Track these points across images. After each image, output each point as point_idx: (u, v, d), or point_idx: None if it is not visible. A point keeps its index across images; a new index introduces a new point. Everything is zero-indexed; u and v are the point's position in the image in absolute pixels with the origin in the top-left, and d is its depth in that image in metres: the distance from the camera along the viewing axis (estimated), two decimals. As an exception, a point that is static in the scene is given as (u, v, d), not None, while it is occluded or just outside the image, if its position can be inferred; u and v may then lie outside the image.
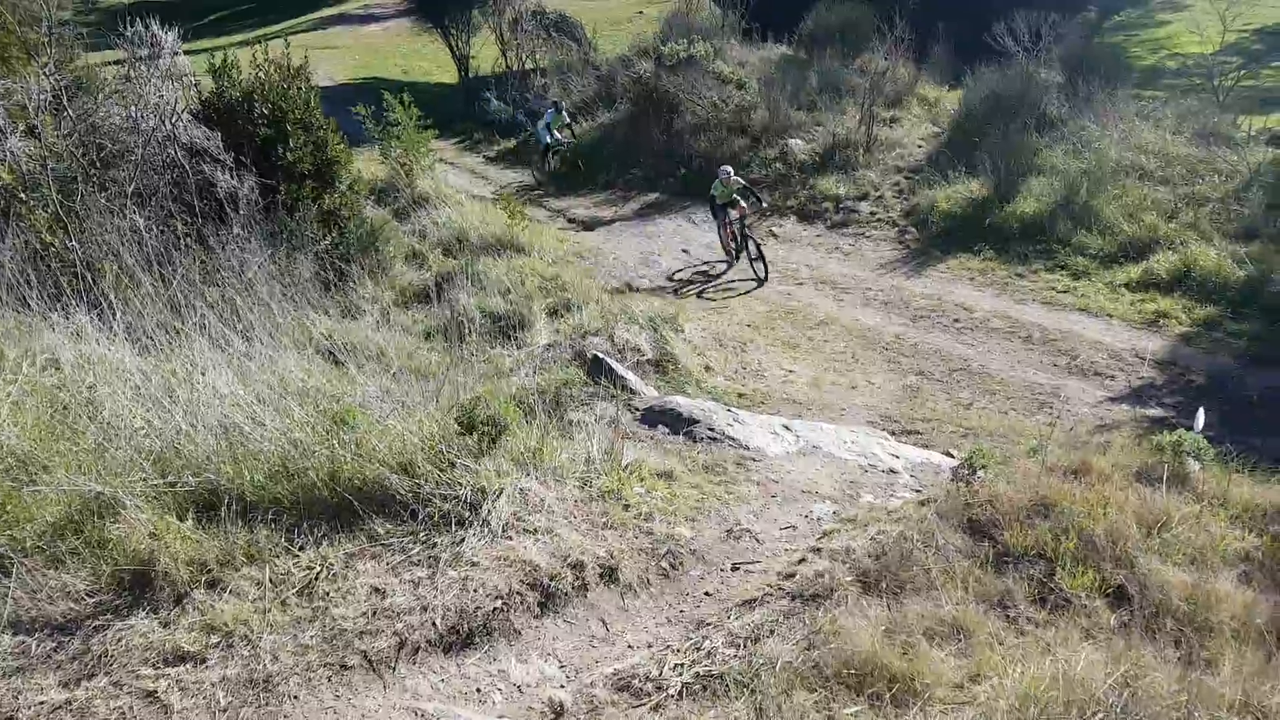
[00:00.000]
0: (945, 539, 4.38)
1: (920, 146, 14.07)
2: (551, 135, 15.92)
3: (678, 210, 14.14)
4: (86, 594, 3.85)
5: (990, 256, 11.28)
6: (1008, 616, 3.92)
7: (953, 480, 5.12)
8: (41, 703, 3.40)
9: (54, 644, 3.66)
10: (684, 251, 12.48)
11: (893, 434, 7.34)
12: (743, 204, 11.57)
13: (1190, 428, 5.38)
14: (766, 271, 11.41)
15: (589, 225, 13.86)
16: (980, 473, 4.93)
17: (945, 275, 11.12)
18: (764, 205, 12.83)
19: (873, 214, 12.92)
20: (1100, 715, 2.91)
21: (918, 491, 5.89)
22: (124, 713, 3.41)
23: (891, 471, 6.32)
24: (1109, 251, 10.77)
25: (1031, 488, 4.67)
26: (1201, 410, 5.50)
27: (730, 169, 11.75)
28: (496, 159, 18.02)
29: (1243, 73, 15.31)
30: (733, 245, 11.82)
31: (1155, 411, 7.52)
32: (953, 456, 6.63)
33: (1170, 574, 4.05)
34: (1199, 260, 9.93)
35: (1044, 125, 13.29)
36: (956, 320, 9.79)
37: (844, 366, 8.89)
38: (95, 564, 3.94)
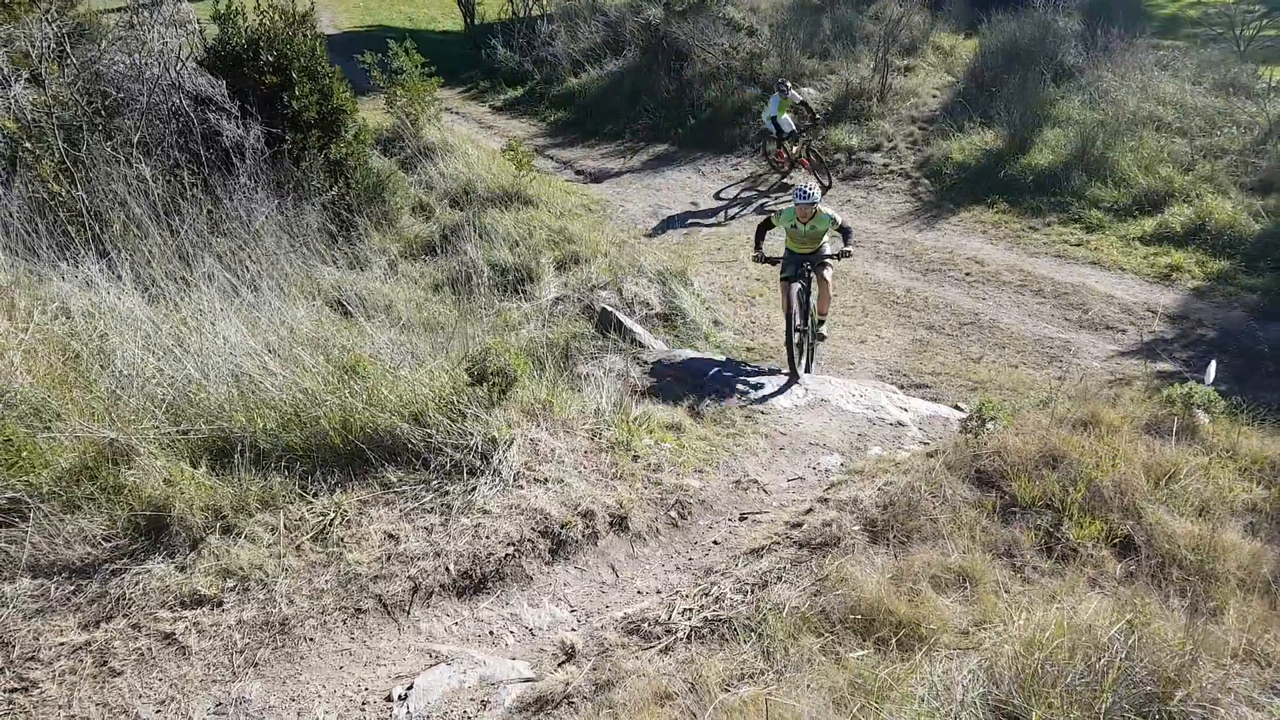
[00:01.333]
0: (953, 489, 4.40)
1: (935, 97, 13.79)
2: (782, 123, 12.12)
3: (686, 162, 13.96)
4: (103, 538, 3.91)
5: (1004, 209, 11.15)
6: (1014, 565, 3.95)
7: (961, 432, 5.13)
8: (62, 644, 3.48)
9: (72, 587, 3.73)
10: (692, 204, 12.35)
11: (901, 388, 7.34)
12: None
13: (1201, 381, 5.36)
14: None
15: (596, 177, 13.72)
16: (989, 424, 4.93)
17: (958, 228, 11.01)
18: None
19: (885, 165, 12.73)
20: (1105, 660, 2.94)
21: (925, 444, 5.90)
22: (143, 654, 3.49)
23: (899, 424, 6.33)
24: (1123, 204, 10.62)
25: (1040, 439, 4.67)
26: (1213, 363, 5.47)
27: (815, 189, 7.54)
28: (503, 108, 17.76)
29: (1265, 22, 14.90)
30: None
31: (1166, 365, 7.48)
32: (961, 410, 6.63)
33: (1178, 524, 4.07)
34: (1214, 213, 9.78)
35: (1061, 75, 13.00)
36: (968, 274, 9.71)
37: (853, 320, 8.85)
38: (111, 509, 4.00)
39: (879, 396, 6.77)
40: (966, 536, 4.06)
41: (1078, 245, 10.11)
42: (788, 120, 12.01)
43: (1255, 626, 3.30)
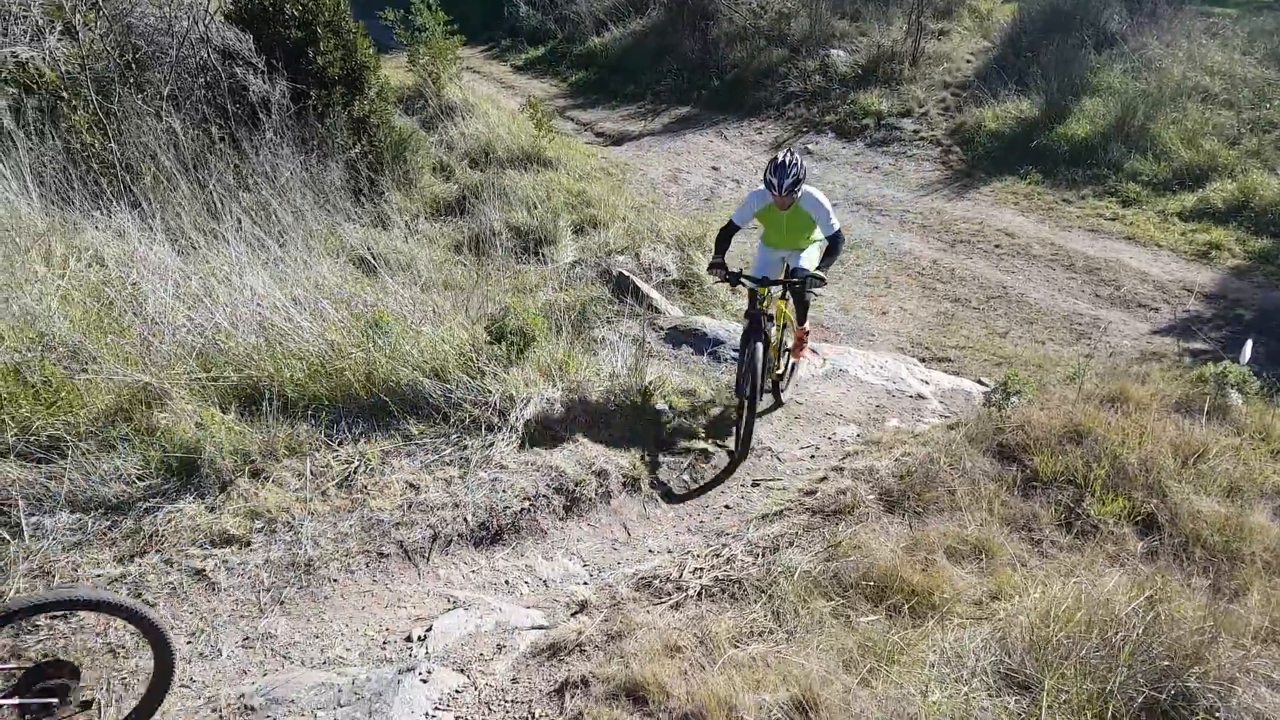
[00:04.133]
0: (972, 462, 4.39)
1: (970, 62, 13.46)
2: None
3: (709, 125, 13.78)
4: (137, 477, 4.04)
5: (1037, 180, 10.91)
6: (1032, 540, 3.94)
7: (984, 405, 5.09)
8: (99, 575, 3.60)
9: (108, 522, 3.86)
10: (714, 169, 12.22)
11: (923, 361, 7.28)
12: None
13: (1236, 360, 5.27)
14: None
15: (617, 140, 13.58)
16: (1014, 398, 4.89)
17: (988, 199, 10.81)
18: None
19: (915, 132, 12.48)
20: (1121, 635, 2.93)
21: (946, 417, 5.87)
22: (174, 588, 3.61)
23: (920, 397, 6.29)
24: (1163, 178, 10.34)
25: (1066, 414, 4.64)
26: (1249, 342, 5.37)
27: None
28: (525, 68, 17.59)
29: (1323, -10, 14.40)
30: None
31: (1199, 345, 7.35)
32: (985, 384, 6.57)
33: (1204, 504, 4.02)
34: (1259, 190, 9.49)
35: (1103, 42, 12.62)
36: (997, 246, 9.56)
37: (876, 291, 8.76)
38: (145, 450, 4.12)
39: (899, 368, 6.73)
40: (984, 509, 4.05)
41: (1113, 220, 9.90)
42: (767, 258, 5.77)
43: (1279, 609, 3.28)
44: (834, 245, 5.19)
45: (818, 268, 5.18)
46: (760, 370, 5.10)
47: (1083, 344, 7.58)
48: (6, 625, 2.99)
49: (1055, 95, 11.59)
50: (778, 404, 5.96)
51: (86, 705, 2.86)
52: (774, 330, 5.39)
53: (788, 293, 5.48)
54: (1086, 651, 2.92)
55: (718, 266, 5.32)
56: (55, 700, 2.72)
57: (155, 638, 2.85)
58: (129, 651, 3.35)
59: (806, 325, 5.85)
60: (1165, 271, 8.73)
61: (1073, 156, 11.00)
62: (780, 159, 4.99)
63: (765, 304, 5.28)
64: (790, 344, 5.84)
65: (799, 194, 5.08)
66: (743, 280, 5.26)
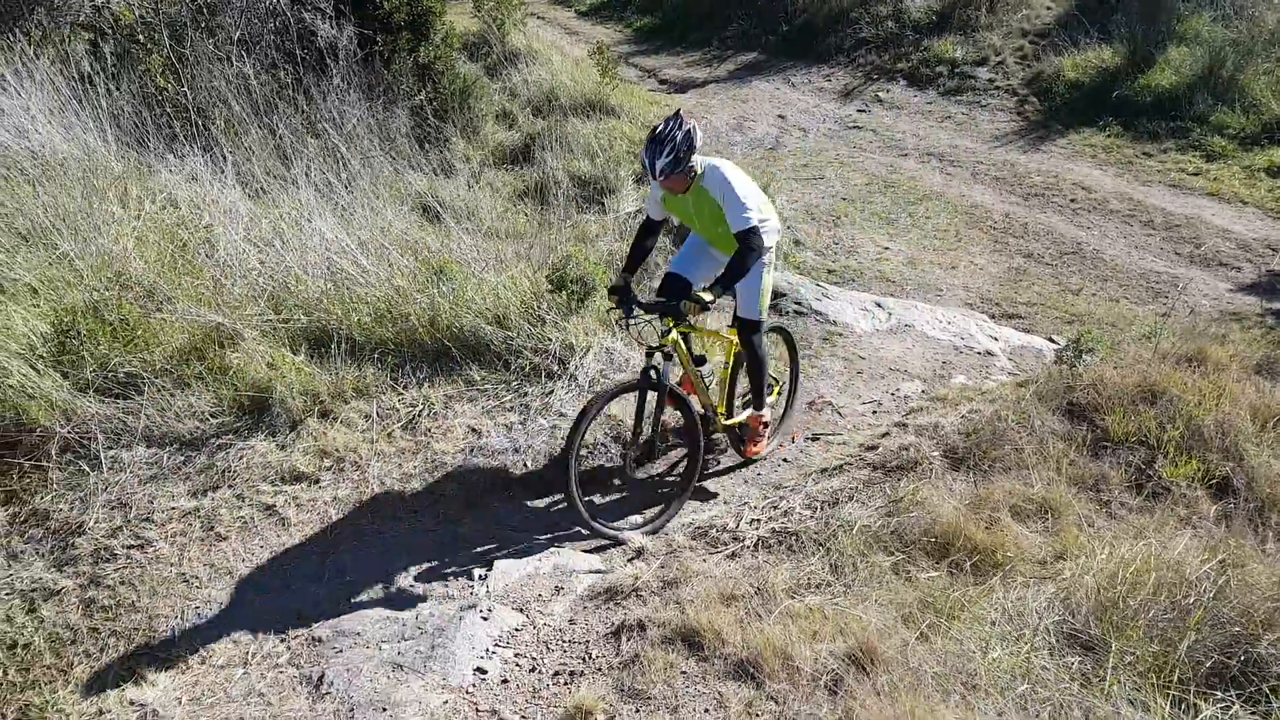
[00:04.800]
0: (1041, 420, 4.28)
1: (1049, 9, 12.82)
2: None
3: (775, 72, 13.45)
4: (210, 415, 4.19)
5: (1117, 133, 10.43)
6: (1100, 500, 3.85)
7: (1055, 363, 4.95)
8: (173, 508, 3.76)
9: (182, 458, 4.02)
10: (780, 118, 11.95)
11: (992, 317, 7.08)
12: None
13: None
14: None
15: (681, 87, 13.35)
16: (1086, 356, 4.74)
17: (1065, 151, 10.38)
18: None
19: (991, 81, 12.01)
20: (1192, 599, 2.87)
21: (1015, 374, 5.73)
22: (245, 522, 3.75)
23: (988, 353, 6.14)
24: (1251, 132, 9.77)
25: (1140, 373, 4.48)
26: None
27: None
28: (589, 13, 17.35)
29: None
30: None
31: (1283, 306, 7.02)
32: (1056, 342, 6.38)
33: (1282, 469, 3.87)
34: (1355, 146, 8.99)
35: (1193, -13, 11.97)
36: (1073, 200, 9.19)
37: (945, 245, 8.52)
38: (217, 389, 4.27)
39: (968, 324, 6.56)
40: (1052, 468, 3.96)
41: (1195, 175, 9.44)
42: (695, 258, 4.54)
43: (1358, 576, 3.15)
44: (742, 250, 3.68)
45: (710, 285, 3.75)
46: (652, 430, 4.02)
47: (1159, 302, 7.29)
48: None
49: (1139, 43, 11.01)
50: (747, 461, 4.70)
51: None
52: (674, 371, 4.01)
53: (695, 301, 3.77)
54: (1154, 614, 2.87)
55: (617, 291, 3.95)
56: None
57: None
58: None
59: (764, 408, 4.30)
60: (1249, 229, 8.30)
61: (1155, 108, 10.47)
62: (657, 128, 3.72)
63: (664, 336, 3.92)
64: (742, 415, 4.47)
65: (691, 174, 3.80)
66: (630, 316, 3.87)
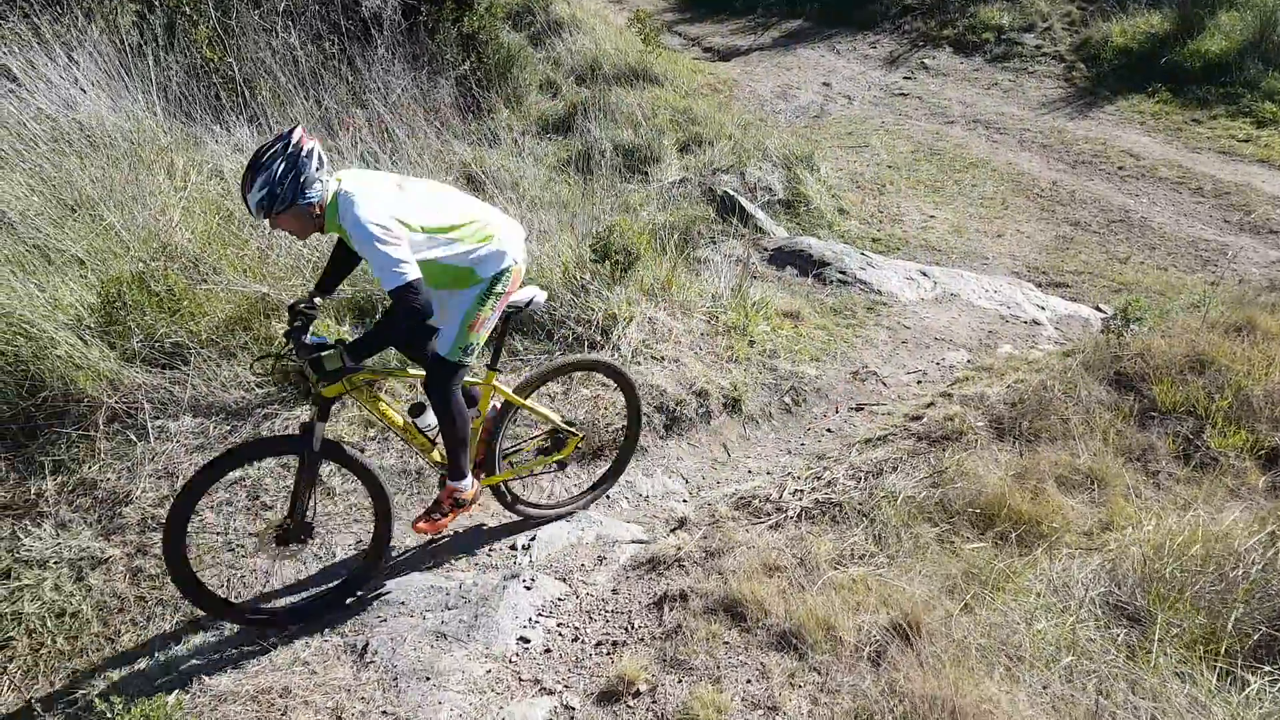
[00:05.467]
0: (1088, 390, 4.22)
1: (1101, -29, 12.47)
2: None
3: (820, 39, 13.23)
4: (256, 385, 4.22)
5: (1165, 99, 10.16)
6: (1147, 470, 3.80)
7: (1103, 332, 4.86)
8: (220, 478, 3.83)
9: (229, 427, 4.08)
10: (825, 85, 11.76)
11: (1039, 285, 6.97)
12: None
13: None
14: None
15: (724, 55, 13.19)
16: (1134, 325, 4.66)
17: (1113, 118, 10.11)
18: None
19: (1038, 47, 11.71)
20: (1240, 571, 2.83)
21: (1061, 344, 5.64)
22: (290, 491, 3.80)
23: (1035, 323, 6.05)
24: (1304, 98, 9.51)
25: (1188, 343, 4.39)
26: None
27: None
28: (631, -19, 17.17)
29: None
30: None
31: (1341, 275, 6.79)
32: (1103, 311, 6.26)
33: (1336, 442, 3.79)
34: None
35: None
36: (1121, 167, 8.96)
37: (991, 213, 8.37)
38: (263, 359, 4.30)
39: (1014, 293, 6.46)
40: (1099, 439, 3.91)
41: (1245, 141, 9.16)
42: None
43: None
44: (397, 312, 2.87)
45: (350, 344, 2.93)
46: (297, 502, 3.17)
47: (1208, 271, 7.11)
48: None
49: (1189, 8, 10.71)
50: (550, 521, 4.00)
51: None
52: (320, 430, 3.09)
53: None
54: (1201, 586, 2.84)
55: (295, 314, 3.13)
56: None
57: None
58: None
59: (463, 480, 3.40)
60: (1305, 196, 8.05)
61: (1205, 74, 10.18)
62: (259, 150, 2.82)
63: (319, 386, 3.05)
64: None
65: (313, 212, 2.88)
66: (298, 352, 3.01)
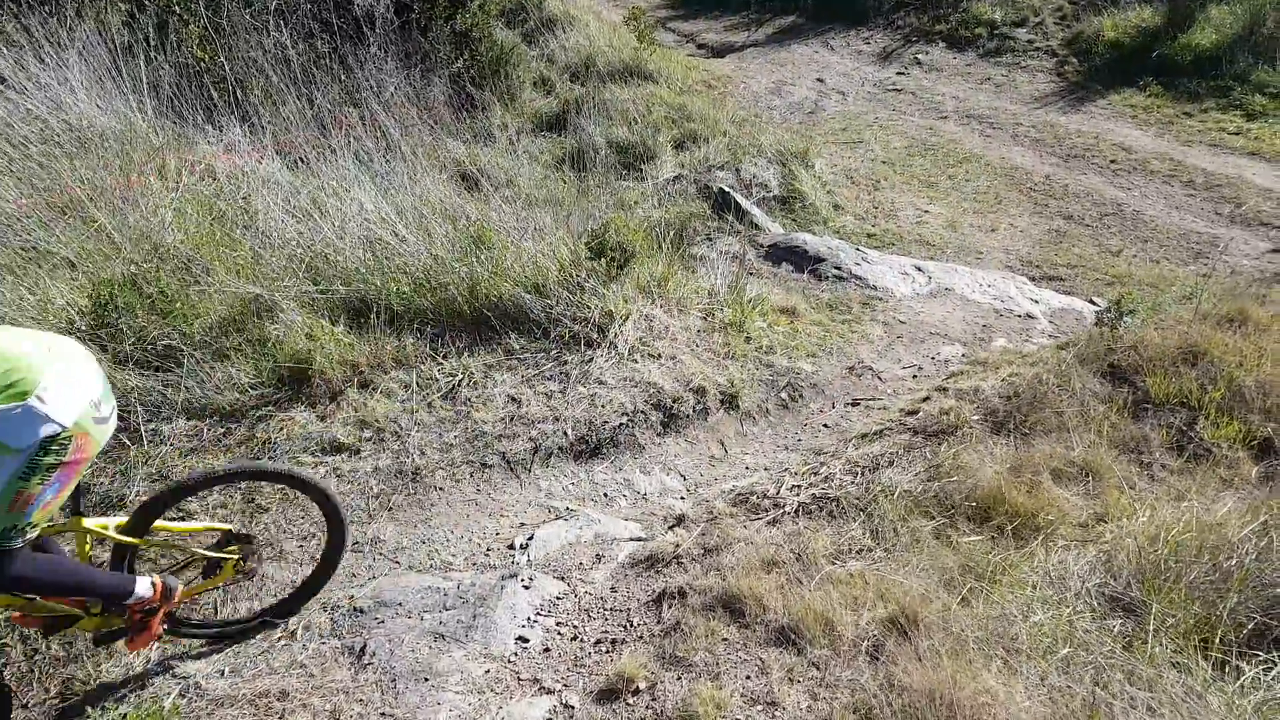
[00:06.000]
0: (1082, 383, 4.23)
1: (1091, -34, 12.50)
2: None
3: (814, 35, 13.24)
4: (249, 386, 4.21)
5: (1157, 93, 10.22)
6: (1141, 462, 3.81)
7: (1096, 325, 4.88)
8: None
9: (223, 429, 4.05)
10: (819, 81, 11.76)
11: (1033, 279, 6.98)
12: None
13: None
14: None
15: (719, 51, 13.19)
16: (1127, 318, 4.67)
17: (1105, 112, 10.14)
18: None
19: (1030, 42, 11.74)
20: (1234, 561, 2.84)
21: (1055, 337, 5.66)
22: (286, 494, 3.80)
23: (1029, 316, 6.07)
24: (1293, 90, 9.57)
25: (1181, 335, 4.41)
26: None
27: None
28: (625, -22, 17.16)
29: None
30: None
31: (1333, 267, 6.83)
32: (1096, 304, 6.28)
33: (1329, 431, 3.81)
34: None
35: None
36: (1113, 161, 8.99)
37: (985, 208, 8.39)
38: (257, 360, 4.29)
39: (1008, 287, 6.48)
40: (1093, 431, 3.93)
41: (1236, 134, 9.20)
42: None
43: None
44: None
45: None
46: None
47: (1200, 263, 7.14)
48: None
49: (1179, 2, 10.73)
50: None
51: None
52: None
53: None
54: (1196, 576, 2.85)
55: None
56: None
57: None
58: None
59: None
60: (1296, 188, 8.08)
61: (1196, 67, 10.26)
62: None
63: None
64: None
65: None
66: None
